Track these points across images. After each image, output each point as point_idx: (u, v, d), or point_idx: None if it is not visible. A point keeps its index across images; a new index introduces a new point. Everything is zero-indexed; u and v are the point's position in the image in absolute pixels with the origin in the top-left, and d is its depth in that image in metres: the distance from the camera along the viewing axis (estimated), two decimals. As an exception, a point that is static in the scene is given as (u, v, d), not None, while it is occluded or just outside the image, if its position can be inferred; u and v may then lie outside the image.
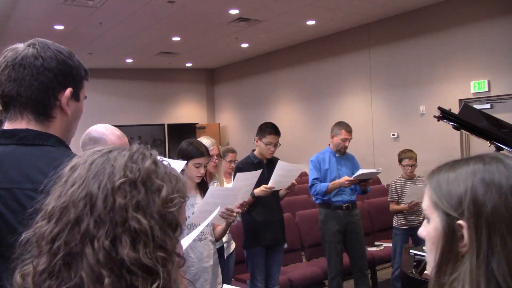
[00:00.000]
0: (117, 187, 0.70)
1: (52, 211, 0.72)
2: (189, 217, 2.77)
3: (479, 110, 3.11)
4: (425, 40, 8.02)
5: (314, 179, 4.34)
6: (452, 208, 0.89)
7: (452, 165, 0.96)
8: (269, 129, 3.79)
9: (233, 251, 3.73)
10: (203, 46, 10.72)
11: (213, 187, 2.73)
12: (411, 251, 3.37)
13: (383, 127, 8.84)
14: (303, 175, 10.01)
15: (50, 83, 1.17)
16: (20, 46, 1.19)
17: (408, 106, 8.35)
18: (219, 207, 2.62)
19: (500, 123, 2.76)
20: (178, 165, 2.27)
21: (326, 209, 4.34)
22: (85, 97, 1.30)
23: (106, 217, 0.69)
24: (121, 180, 0.71)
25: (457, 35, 7.50)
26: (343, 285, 4.42)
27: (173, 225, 0.74)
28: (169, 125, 13.80)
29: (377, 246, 5.34)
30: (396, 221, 4.78)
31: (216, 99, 14.51)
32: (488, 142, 2.69)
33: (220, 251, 3.37)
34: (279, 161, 3.55)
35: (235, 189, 2.95)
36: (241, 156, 4.23)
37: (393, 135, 8.64)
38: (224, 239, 3.44)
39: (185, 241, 1.83)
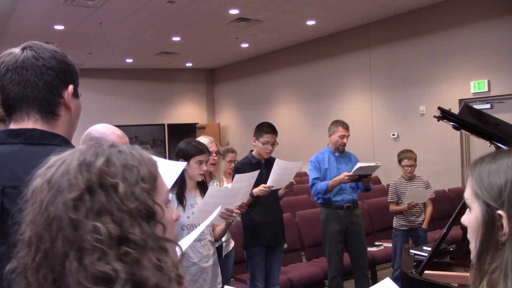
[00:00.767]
0: (76, 202, 0.70)
1: (29, 241, 0.72)
2: (188, 217, 2.77)
3: (479, 110, 3.11)
4: (425, 40, 8.02)
5: (314, 178, 4.33)
6: (492, 198, 0.92)
7: (494, 156, 0.98)
8: (266, 128, 3.80)
9: (231, 250, 3.73)
10: (203, 46, 10.72)
11: (212, 187, 2.74)
12: (411, 251, 3.37)
13: (383, 127, 8.84)
14: (303, 175, 10.03)
15: (54, 81, 1.21)
16: (16, 50, 1.21)
17: (408, 106, 8.35)
18: (220, 207, 2.62)
19: (494, 121, 2.76)
20: (178, 166, 2.26)
21: (327, 209, 4.34)
22: (80, 94, 1.34)
23: (72, 235, 0.69)
24: (77, 193, 0.70)
25: (457, 35, 7.51)
26: (343, 285, 4.42)
27: (145, 215, 0.73)
28: (169, 125, 13.81)
29: (377, 246, 5.34)
30: (396, 222, 4.78)
31: (216, 99, 14.52)
32: (488, 142, 2.69)
33: (218, 250, 3.36)
34: (276, 159, 3.55)
35: (234, 190, 2.96)
36: (241, 156, 4.23)
37: (393, 135, 8.64)
38: (223, 238, 3.44)
39: (185, 242, 1.83)
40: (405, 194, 4.61)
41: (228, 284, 3.44)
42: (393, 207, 4.77)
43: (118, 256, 0.69)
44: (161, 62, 12.42)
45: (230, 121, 13.68)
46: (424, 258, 2.93)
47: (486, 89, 7.12)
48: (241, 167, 3.68)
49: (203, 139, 3.47)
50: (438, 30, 7.80)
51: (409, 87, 8.34)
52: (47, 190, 0.73)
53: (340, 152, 4.41)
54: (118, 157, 0.76)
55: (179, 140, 3.01)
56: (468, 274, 2.55)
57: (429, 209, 4.79)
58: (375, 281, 5.09)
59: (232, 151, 4.47)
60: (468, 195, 0.99)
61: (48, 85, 1.20)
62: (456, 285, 2.57)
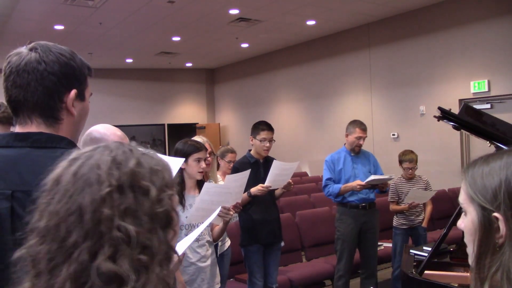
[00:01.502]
0: (105, 197, 0.70)
1: (44, 230, 0.71)
2: (187, 217, 2.77)
3: (479, 110, 3.10)
4: (425, 40, 8.02)
5: (327, 179, 4.34)
6: (488, 201, 0.92)
7: (486, 159, 0.98)
8: (262, 126, 3.84)
9: (227, 249, 3.75)
10: (203, 46, 10.72)
11: (208, 184, 2.73)
12: (411, 251, 3.37)
13: (383, 127, 8.84)
14: (303, 175, 10.03)
15: (55, 87, 1.19)
16: (24, 50, 1.20)
17: (408, 106, 8.35)
18: (220, 207, 2.62)
19: (498, 122, 2.76)
20: (176, 162, 2.26)
21: (343, 208, 4.34)
22: (90, 94, 1.33)
23: (93, 228, 0.69)
24: (107, 189, 0.70)
25: (457, 35, 7.51)
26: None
27: (165, 222, 0.74)
28: (169, 125, 13.81)
29: (377, 246, 5.33)
30: (396, 221, 4.78)
31: (216, 99, 14.52)
32: (488, 142, 2.69)
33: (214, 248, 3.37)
34: (274, 160, 3.61)
35: (230, 187, 2.96)
36: (241, 156, 4.23)
37: (393, 135, 8.64)
38: (219, 237, 3.45)
39: (184, 243, 1.83)
40: (405, 193, 4.63)
41: (224, 283, 3.44)
42: (393, 207, 4.78)
43: (131, 259, 0.69)
44: (161, 62, 12.42)
45: (230, 121, 13.68)
46: (424, 258, 2.93)
47: (486, 89, 7.12)
48: (239, 167, 3.69)
49: (197, 139, 3.49)
50: (438, 30, 7.79)
51: (409, 87, 8.34)
52: (73, 182, 0.72)
53: (356, 152, 4.40)
54: (146, 160, 0.77)
55: (179, 140, 3.02)
56: (468, 274, 2.55)
57: (429, 208, 4.81)
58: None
59: (232, 151, 4.47)
60: (462, 199, 0.98)
61: (49, 90, 1.19)
62: (456, 285, 2.56)
